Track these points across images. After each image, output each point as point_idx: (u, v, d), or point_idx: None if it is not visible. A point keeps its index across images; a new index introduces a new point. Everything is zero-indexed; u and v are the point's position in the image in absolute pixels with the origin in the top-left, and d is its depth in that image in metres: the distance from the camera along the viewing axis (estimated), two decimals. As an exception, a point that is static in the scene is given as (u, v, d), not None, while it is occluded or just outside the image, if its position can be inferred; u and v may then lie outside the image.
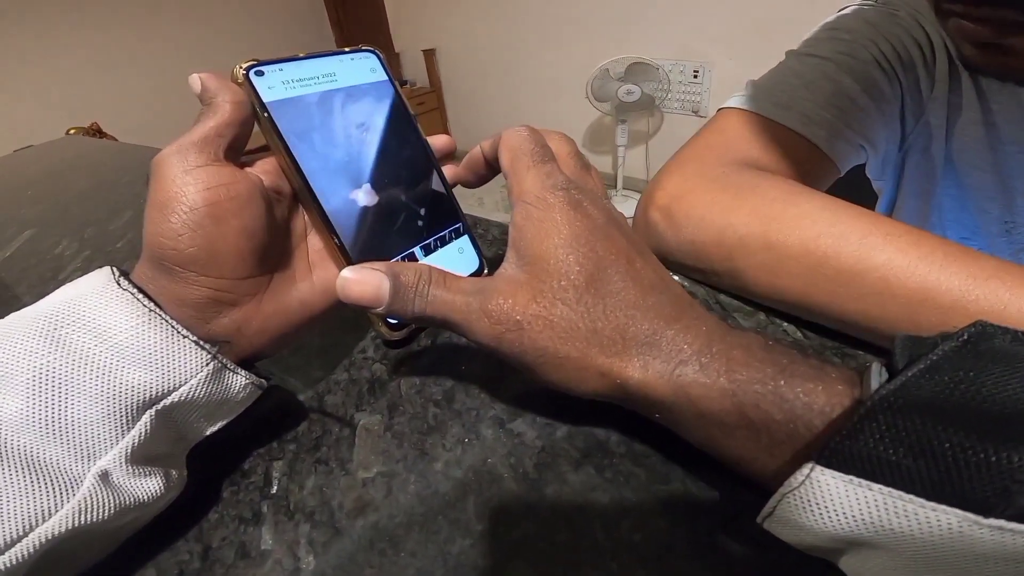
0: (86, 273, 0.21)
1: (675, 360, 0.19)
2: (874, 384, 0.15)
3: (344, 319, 0.30)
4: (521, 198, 0.22)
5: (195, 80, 0.23)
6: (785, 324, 0.30)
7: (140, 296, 0.19)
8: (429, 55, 3.87)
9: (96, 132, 2.50)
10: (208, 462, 0.23)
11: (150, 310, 0.19)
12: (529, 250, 0.21)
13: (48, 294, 0.20)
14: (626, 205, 2.95)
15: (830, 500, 0.14)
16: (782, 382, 0.17)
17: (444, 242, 0.30)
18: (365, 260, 0.24)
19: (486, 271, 0.31)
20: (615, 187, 3.10)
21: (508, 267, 0.22)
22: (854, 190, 0.55)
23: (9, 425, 0.17)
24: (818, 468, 0.14)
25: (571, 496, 0.21)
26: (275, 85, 0.24)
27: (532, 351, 0.20)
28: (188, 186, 0.20)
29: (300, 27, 4.41)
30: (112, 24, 3.39)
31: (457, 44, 3.72)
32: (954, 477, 0.13)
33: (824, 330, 0.29)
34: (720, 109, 0.41)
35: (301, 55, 0.26)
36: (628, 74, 2.63)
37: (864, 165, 0.46)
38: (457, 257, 0.30)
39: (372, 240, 0.26)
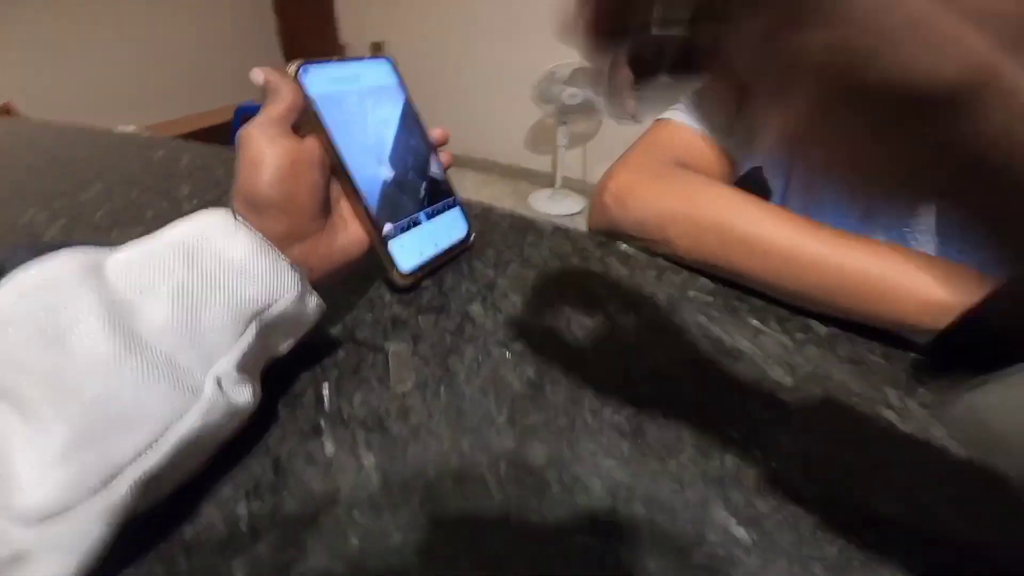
0: (67, 238, 0.25)
1: None
2: None
3: (365, 271, 0.35)
4: None
5: (258, 74, 0.30)
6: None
7: (253, 229, 0.24)
8: (377, 48, 3.82)
9: (7, 112, 2.30)
10: (266, 391, 0.26)
11: (261, 240, 0.24)
12: None
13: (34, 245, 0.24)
14: (565, 203, 3.07)
15: None
16: None
17: (441, 211, 0.38)
18: (383, 220, 0.32)
19: (473, 236, 0.40)
20: (554, 186, 3.20)
21: None
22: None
23: (156, 331, 0.21)
24: None
25: (567, 391, 0.28)
26: (318, 81, 0.31)
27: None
28: (274, 150, 0.27)
29: (240, 13, 4.20)
30: (26, 2, 3.10)
31: (406, 39, 3.69)
32: None
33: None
34: (657, 119, 0.52)
35: (336, 58, 0.33)
36: (573, 78, 2.74)
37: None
38: (451, 223, 0.38)
39: (388, 205, 0.33)
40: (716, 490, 0.23)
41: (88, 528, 0.17)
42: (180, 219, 0.25)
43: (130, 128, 3.07)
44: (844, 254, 0.33)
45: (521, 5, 3.06)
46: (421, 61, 3.70)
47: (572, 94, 2.73)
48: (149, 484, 0.19)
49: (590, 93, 2.73)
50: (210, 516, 0.22)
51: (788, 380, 0.29)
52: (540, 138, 3.39)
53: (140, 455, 0.18)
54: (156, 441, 0.19)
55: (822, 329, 0.34)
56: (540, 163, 3.48)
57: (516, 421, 0.26)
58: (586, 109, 2.82)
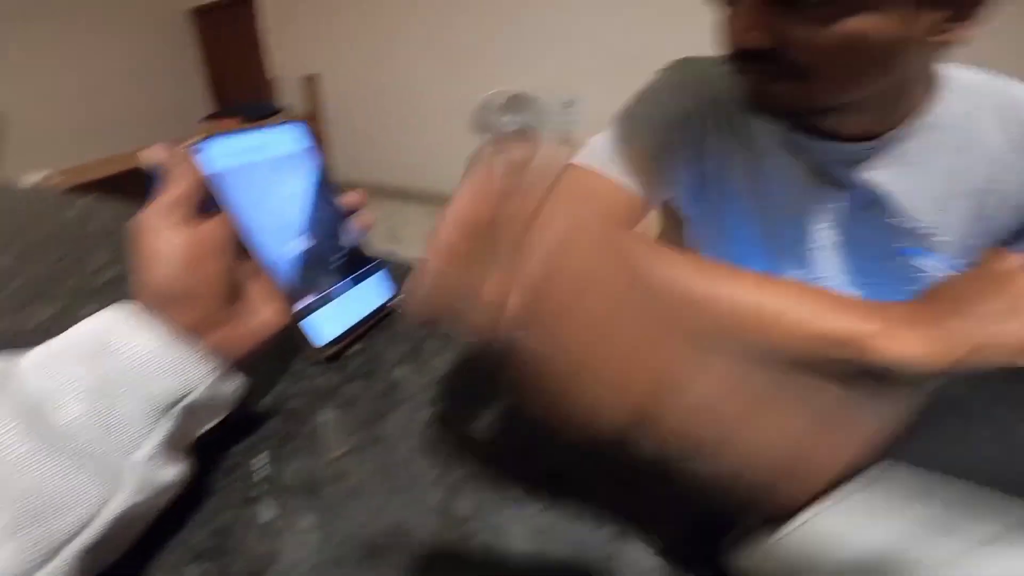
0: None
1: None
2: None
3: (288, 344, 0.36)
4: None
5: (152, 153, 0.29)
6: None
7: (158, 324, 0.25)
8: (311, 81, 3.79)
9: None
10: (201, 465, 0.28)
11: (168, 334, 0.25)
12: None
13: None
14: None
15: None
16: None
17: (362, 278, 0.38)
18: (296, 296, 0.33)
19: (399, 299, 0.40)
20: (501, 211, 3.26)
21: None
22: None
23: (71, 428, 0.22)
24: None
25: (492, 443, 0.30)
26: (218, 157, 0.31)
27: None
28: (173, 241, 0.27)
29: (164, 47, 4.05)
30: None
31: (341, 71, 3.69)
32: None
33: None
34: (568, 164, 0.55)
35: (238, 129, 0.33)
36: (508, 105, 2.83)
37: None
38: (374, 290, 0.39)
39: (301, 280, 0.33)
40: (632, 525, 0.25)
41: None
42: (85, 319, 0.25)
43: (43, 173, 2.88)
44: (733, 290, 0.35)
45: (453, 34, 3.14)
46: (358, 94, 3.70)
47: (508, 122, 2.81)
48: (93, 555, 0.21)
49: (527, 119, 2.82)
50: None
51: None
52: (480, 165, 3.44)
53: (77, 534, 0.20)
54: (91, 521, 0.21)
55: None
56: (483, 190, 3.52)
57: (444, 477, 0.28)
58: (523, 136, 2.90)
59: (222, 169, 0.31)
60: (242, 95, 4.30)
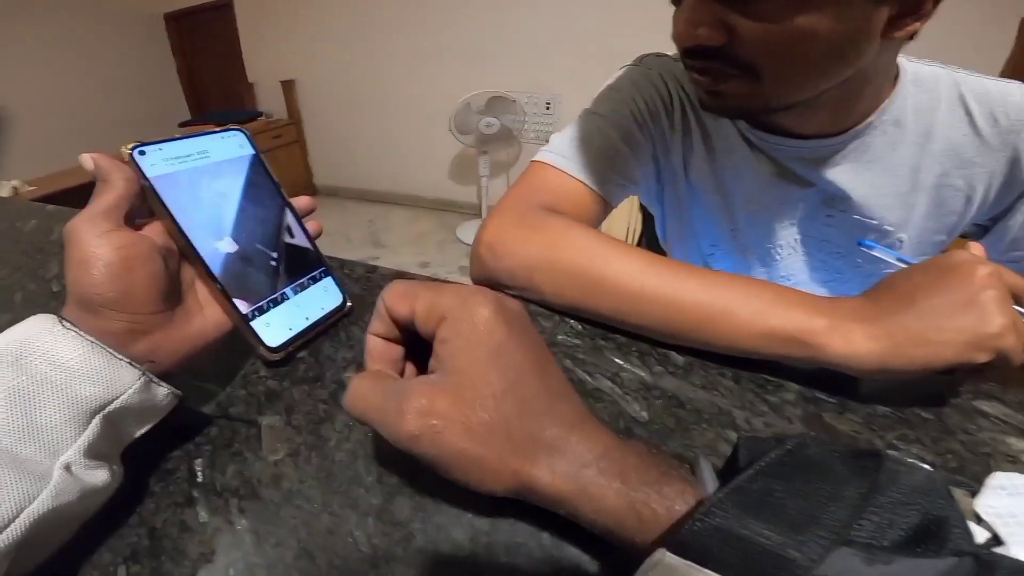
0: None
1: (578, 463, 0.22)
2: (707, 479, 0.21)
3: (236, 348, 0.36)
4: (444, 314, 0.24)
5: (87, 160, 0.29)
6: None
7: (81, 332, 0.25)
8: (288, 86, 3.75)
9: None
10: (139, 468, 0.28)
11: (91, 341, 0.25)
12: (453, 361, 0.23)
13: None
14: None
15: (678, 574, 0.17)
16: (665, 487, 0.21)
17: (312, 282, 0.38)
18: (244, 300, 0.32)
19: (349, 303, 0.39)
20: (480, 216, 3.26)
21: (432, 375, 0.24)
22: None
23: None
24: (668, 554, 0.17)
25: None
26: (157, 163, 0.31)
27: (449, 453, 0.22)
28: (103, 247, 0.27)
29: (137, 53, 3.99)
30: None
31: (318, 75, 3.66)
32: (755, 566, 0.16)
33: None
34: (531, 161, 0.55)
35: (178, 136, 0.32)
36: (488, 107, 2.83)
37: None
38: (323, 294, 0.38)
39: (248, 284, 0.33)
40: (571, 531, 0.24)
41: None
42: (7, 330, 0.25)
43: (13, 184, 2.82)
44: (683, 288, 0.35)
45: (431, 37, 3.13)
46: (335, 98, 3.68)
47: (488, 123, 2.81)
48: (20, 554, 0.21)
49: (507, 120, 2.83)
50: None
51: (644, 414, 0.32)
52: (463, 169, 3.45)
53: (0, 532, 0.20)
54: (14, 520, 0.20)
55: (679, 359, 0.36)
56: (465, 194, 3.53)
57: (384, 480, 0.28)
58: (503, 137, 2.91)
59: (161, 175, 0.30)
60: (220, 101, 4.25)
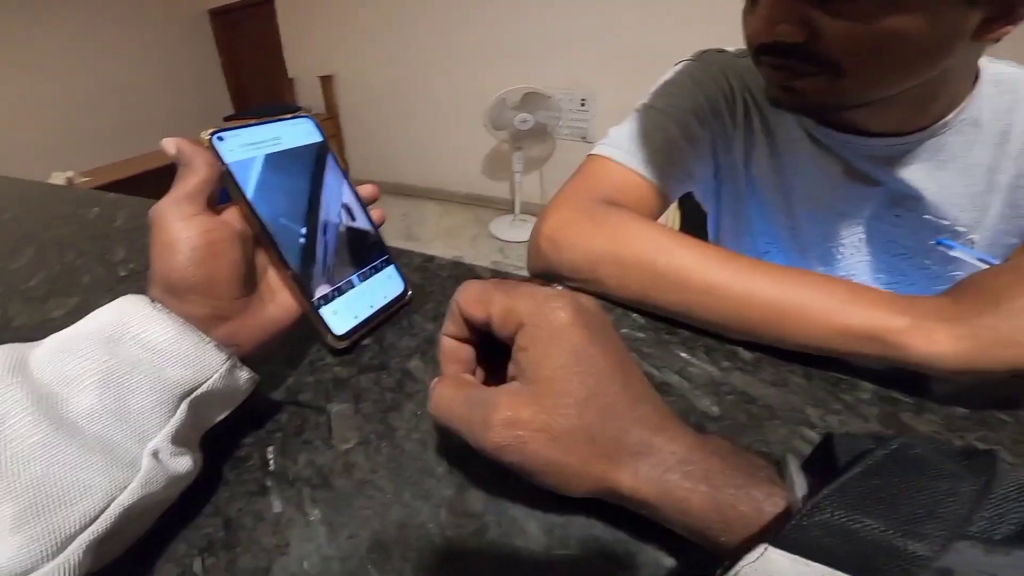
0: (5, 312, 0.26)
1: (662, 467, 0.21)
2: (796, 481, 0.19)
3: (304, 335, 0.36)
4: (522, 320, 0.23)
5: (169, 145, 0.29)
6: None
7: (172, 314, 0.25)
8: (327, 81, 3.82)
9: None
10: (212, 456, 0.28)
11: (181, 323, 0.25)
12: (534, 370, 0.23)
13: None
14: (523, 229, 3.10)
15: (780, 571, 0.17)
16: (752, 489, 0.20)
17: (376, 271, 0.38)
18: (312, 287, 0.32)
19: (410, 292, 0.39)
20: (513, 212, 3.25)
21: (514, 384, 0.24)
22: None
23: (85, 417, 0.21)
24: (771, 548, 0.17)
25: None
26: (234, 148, 0.31)
27: (535, 461, 0.22)
28: (189, 231, 0.27)
29: (184, 48, 4.13)
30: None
31: (356, 71, 3.72)
32: (870, 559, 0.16)
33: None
34: (589, 155, 0.54)
35: (252, 122, 0.33)
36: (523, 103, 2.82)
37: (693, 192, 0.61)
38: (387, 282, 0.38)
39: (317, 271, 0.33)
40: (649, 529, 0.23)
41: None
42: (99, 308, 0.25)
43: (67, 175, 2.96)
44: (753, 283, 0.35)
45: (467, 33, 3.14)
46: (372, 93, 3.73)
47: (523, 119, 2.80)
48: (102, 546, 0.21)
49: (541, 117, 2.81)
50: (168, 572, 0.24)
51: (715, 409, 0.31)
52: (496, 165, 3.45)
53: (89, 524, 0.20)
54: (103, 511, 0.20)
55: (747, 355, 0.35)
56: (499, 190, 3.53)
57: (455, 470, 0.27)
58: (538, 133, 2.90)
59: (238, 160, 0.31)
60: (262, 96, 4.35)
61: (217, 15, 4.21)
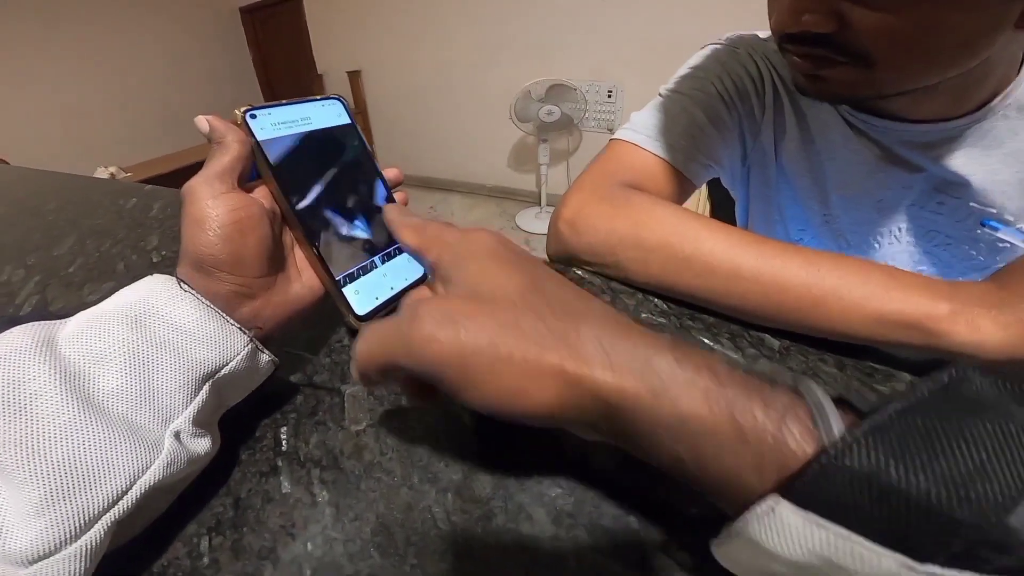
0: (43, 297, 0.26)
1: (646, 349, 0.17)
2: (826, 407, 0.15)
3: (323, 316, 0.36)
4: (444, 247, 0.23)
5: (203, 122, 0.29)
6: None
7: (198, 295, 0.25)
8: (354, 77, 3.87)
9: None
10: (226, 435, 0.28)
11: (207, 305, 0.25)
12: (461, 276, 0.21)
13: (9, 319, 0.25)
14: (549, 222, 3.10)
15: (790, 531, 0.14)
16: (767, 394, 0.16)
17: (398, 252, 0.37)
18: (337, 266, 0.32)
19: (429, 276, 0.38)
20: (539, 204, 3.24)
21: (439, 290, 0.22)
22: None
23: (112, 396, 0.22)
24: (782, 501, 0.14)
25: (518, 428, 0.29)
26: (266, 127, 0.31)
27: (473, 353, 0.18)
28: (219, 208, 0.27)
29: (217, 45, 4.25)
30: (8, 39, 3.12)
31: (383, 66, 3.75)
32: (901, 524, 0.13)
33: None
34: (611, 139, 0.53)
35: (284, 101, 0.33)
36: (548, 95, 2.79)
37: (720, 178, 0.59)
38: (408, 265, 0.38)
39: (342, 251, 0.33)
40: (658, 515, 0.23)
41: (73, 567, 0.19)
42: (126, 287, 0.26)
43: (111, 170, 3.09)
44: (784, 268, 0.33)
45: (492, 26, 3.13)
46: (398, 88, 3.76)
47: (549, 111, 2.78)
48: (121, 526, 0.21)
49: (567, 108, 2.78)
50: (176, 551, 0.24)
51: None
52: (522, 157, 3.43)
53: (112, 505, 0.20)
54: (126, 493, 0.21)
55: (775, 343, 0.34)
56: (524, 182, 3.52)
57: (465, 455, 0.27)
58: (564, 125, 2.87)
59: (269, 138, 0.31)
60: (292, 91, 4.44)
61: (248, 13, 4.31)
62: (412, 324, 0.19)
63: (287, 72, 4.42)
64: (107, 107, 3.59)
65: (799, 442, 0.15)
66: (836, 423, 0.15)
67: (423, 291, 0.24)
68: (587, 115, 2.92)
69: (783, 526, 0.14)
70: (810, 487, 0.14)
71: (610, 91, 2.95)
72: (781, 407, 0.16)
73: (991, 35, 0.35)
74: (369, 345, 0.21)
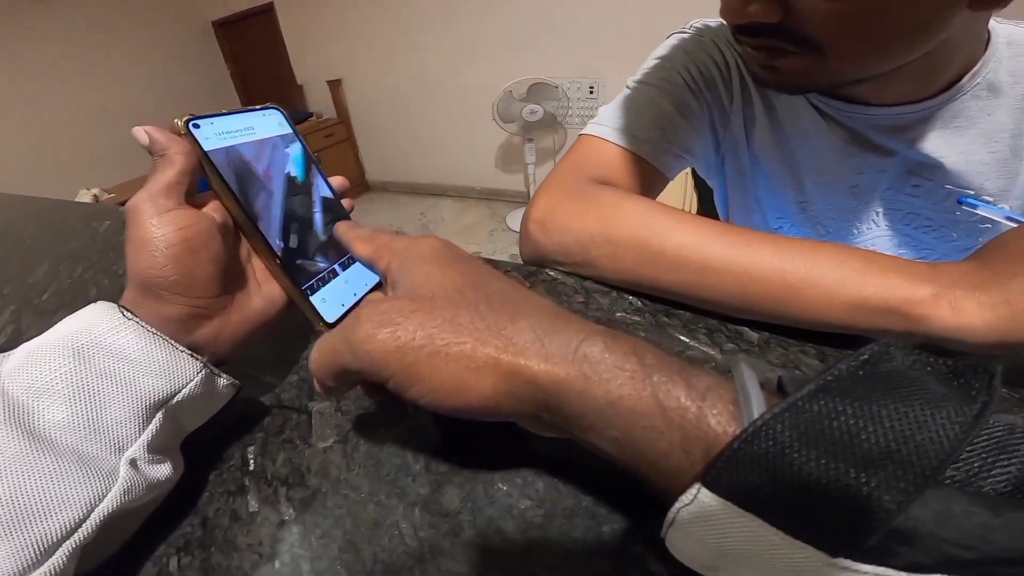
0: (18, 326, 0.25)
1: (578, 338, 0.18)
2: (750, 388, 0.15)
3: (289, 335, 0.36)
4: (396, 251, 0.25)
5: (141, 133, 0.27)
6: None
7: (142, 323, 0.24)
8: (335, 86, 3.85)
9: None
10: (193, 456, 0.28)
11: (153, 333, 0.24)
12: (404, 277, 0.23)
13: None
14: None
15: (714, 520, 0.14)
16: (691, 376, 0.16)
17: (353, 260, 0.37)
18: (301, 275, 0.31)
19: (383, 281, 0.38)
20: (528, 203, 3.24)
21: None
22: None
23: (58, 428, 0.21)
24: (703, 490, 0.14)
25: (484, 432, 0.28)
26: (211, 136, 0.29)
27: (412, 348, 0.18)
28: (165, 227, 0.25)
29: (193, 61, 4.22)
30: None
31: (363, 74, 3.74)
32: (807, 513, 0.13)
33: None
34: (580, 134, 0.52)
35: (224, 111, 0.31)
36: (530, 94, 2.79)
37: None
38: (365, 271, 0.37)
39: (303, 260, 0.32)
40: (631, 526, 0.23)
41: None
42: (68, 316, 0.25)
43: (93, 192, 3.06)
44: (756, 257, 0.32)
45: (469, 27, 3.12)
46: (380, 95, 3.74)
47: (531, 110, 2.78)
48: (88, 550, 0.21)
49: (550, 107, 2.78)
50: (147, 572, 0.24)
51: None
52: (509, 158, 3.43)
53: (71, 533, 0.20)
54: (84, 520, 0.20)
55: (753, 335, 0.33)
56: (513, 182, 3.52)
57: (432, 468, 0.27)
58: (548, 124, 2.87)
59: (216, 148, 0.29)
60: (273, 103, 4.40)
61: (220, 26, 4.25)
62: (354, 327, 0.20)
63: (267, 84, 4.39)
64: (85, 128, 3.55)
65: (721, 423, 0.15)
66: (758, 405, 0.15)
67: (377, 295, 0.25)
68: (570, 112, 2.92)
69: (707, 514, 0.14)
70: (724, 473, 0.14)
71: (591, 87, 2.95)
72: (704, 387, 0.16)
73: (943, 17, 0.35)
74: (320, 352, 0.22)
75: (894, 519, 0.12)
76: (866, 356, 0.15)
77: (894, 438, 0.12)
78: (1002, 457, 0.12)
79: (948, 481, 0.12)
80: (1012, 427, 0.13)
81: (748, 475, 0.13)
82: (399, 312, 0.20)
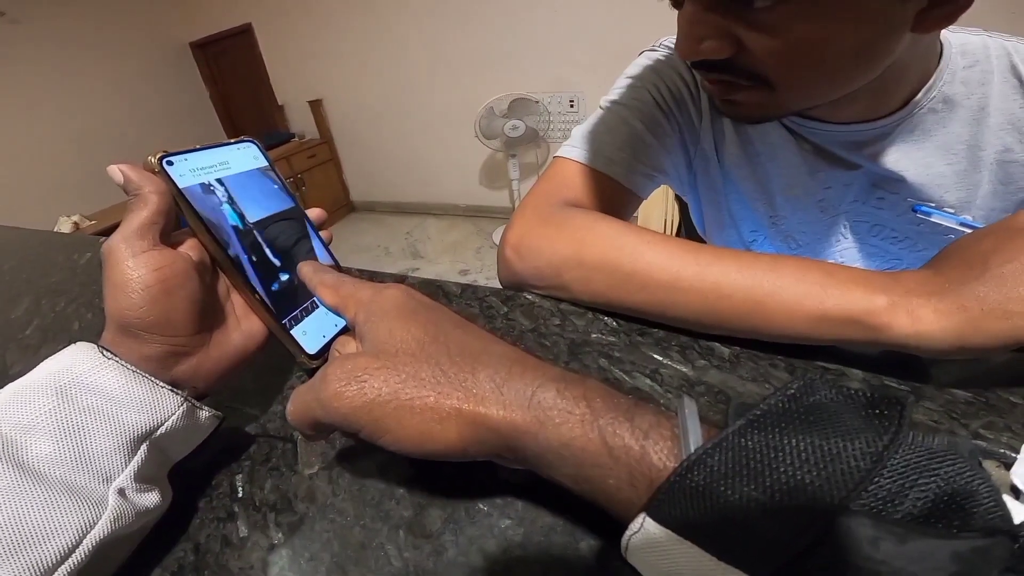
0: (3, 362, 0.26)
1: (532, 385, 0.20)
2: (690, 425, 0.17)
3: (273, 366, 0.37)
4: (359, 306, 0.26)
5: (116, 172, 0.27)
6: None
7: (122, 362, 0.25)
8: (316, 106, 3.85)
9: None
10: (183, 485, 0.29)
11: (132, 370, 0.25)
12: (371, 331, 0.24)
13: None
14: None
15: (660, 547, 0.15)
16: (636, 415, 0.18)
17: None
18: (282, 309, 0.32)
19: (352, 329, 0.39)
20: (514, 216, 3.25)
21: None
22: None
23: (46, 462, 0.22)
24: (648, 520, 0.15)
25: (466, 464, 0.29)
26: (185, 173, 0.30)
27: (378, 403, 0.20)
28: (140, 268, 0.26)
29: (172, 83, 4.19)
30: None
31: (344, 93, 3.74)
32: (732, 538, 0.14)
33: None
34: (555, 156, 0.54)
35: (198, 147, 0.32)
36: (511, 110, 2.83)
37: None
38: None
39: (284, 294, 0.33)
40: (609, 541, 0.23)
41: None
42: (50, 357, 0.26)
43: (73, 219, 3.02)
44: (722, 274, 0.33)
45: (449, 44, 3.15)
46: (362, 114, 3.75)
47: (513, 126, 2.81)
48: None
49: (531, 122, 2.82)
50: None
51: None
52: (493, 174, 3.46)
53: (64, 559, 0.21)
54: (76, 547, 0.21)
55: (725, 351, 0.34)
56: (498, 198, 3.54)
57: (414, 490, 0.28)
58: (530, 139, 2.91)
59: (191, 185, 0.29)
60: (254, 124, 4.39)
61: (199, 48, 4.24)
62: (323, 385, 0.22)
63: (247, 105, 4.37)
64: (63, 154, 3.50)
65: (662, 458, 0.17)
66: (695, 440, 0.16)
67: (349, 342, 0.26)
68: (552, 127, 2.96)
69: (653, 541, 0.15)
70: (664, 504, 0.15)
71: (572, 101, 2.99)
72: (647, 426, 0.18)
73: (887, 43, 0.37)
74: (294, 406, 0.24)
75: (802, 546, 0.13)
76: (793, 391, 0.16)
77: (808, 470, 0.14)
78: (920, 481, 0.13)
79: (862, 508, 0.13)
80: (931, 451, 0.14)
81: (685, 505, 0.15)
82: (364, 369, 0.21)
